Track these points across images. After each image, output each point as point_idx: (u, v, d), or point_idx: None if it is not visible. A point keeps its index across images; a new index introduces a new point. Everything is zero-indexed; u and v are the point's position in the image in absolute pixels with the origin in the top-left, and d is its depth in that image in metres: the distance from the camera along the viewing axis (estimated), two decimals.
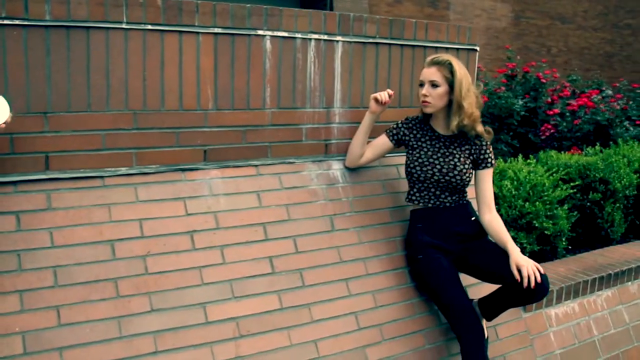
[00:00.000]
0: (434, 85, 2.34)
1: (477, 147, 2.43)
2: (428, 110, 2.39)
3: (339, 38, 2.51)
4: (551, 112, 4.56)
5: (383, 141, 2.54)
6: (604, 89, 5.45)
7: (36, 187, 2.04)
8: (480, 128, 2.42)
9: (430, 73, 2.35)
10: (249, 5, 2.28)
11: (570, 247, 3.52)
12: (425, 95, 2.36)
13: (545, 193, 3.26)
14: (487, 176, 2.46)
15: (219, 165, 2.34)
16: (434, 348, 2.47)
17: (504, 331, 2.68)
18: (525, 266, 2.21)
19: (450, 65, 2.33)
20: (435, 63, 2.35)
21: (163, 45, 2.17)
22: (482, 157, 2.43)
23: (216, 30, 2.25)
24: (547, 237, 3.31)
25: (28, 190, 2.03)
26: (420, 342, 2.45)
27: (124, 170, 2.17)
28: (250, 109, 2.37)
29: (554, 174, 3.47)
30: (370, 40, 2.60)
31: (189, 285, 2.11)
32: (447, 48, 2.81)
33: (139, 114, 2.17)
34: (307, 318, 2.26)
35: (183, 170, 2.27)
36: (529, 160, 3.63)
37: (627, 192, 3.69)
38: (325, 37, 2.48)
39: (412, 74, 2.75)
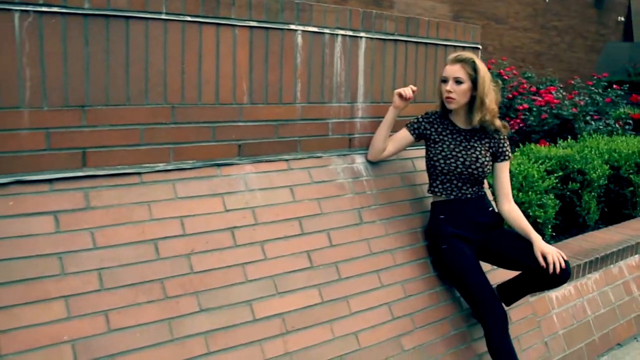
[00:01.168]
0: (458, 82, 2.42)
1: (495, 140, 2.53)
2: (452, 106, 2.46)
3: (362, 34, 2.53)
4: (521, 108, 4.80)
5: (404, 135, 2.59)
6: (561, 86, 5.79)
7: (73, 184, 1.93)
8: (498, 123, 2.52)
9: (455, 70, 2.42)
10: None
11: (554, 234, 3.73)
12: (449, 92, 2.43)
13: (536, 183, 3.44)
14: (505, 168, 2.57)
15: (253, 160, 2.30)
16: (459, 334, 2.56)
17: (514, 315, 2.81)
18: (550, 253, 2.33)
19: (473, 62, 2.41)
20: (459, 60, 2.42)
21: (201, 37, 2.10)
22: (500, 150, 2.54)
23: (251, 23, 2.20)
24: (535, 225, 3.50)
25: (65, 189, 1.91)
26: (446, 329, 2.52)
27: (161, 166, 2.09)
28: (282, 104, 2.35)
29: (540, 166, 3.66)
30: (390, 37, 2.64)
31: (234, 283, 2.07)
32: (455, 46, 2.90)
33: (177, 107, 2.09)
34: (346, 311, 2.27)
35: (219, 165, 2.22)
36: (515, 153, 3.80)
37: (600, 181, 3.96)
38: (350, 33, 2.49)
39: (426, 71, 2.81)
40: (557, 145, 4.29)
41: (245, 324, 2.03)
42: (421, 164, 2.73)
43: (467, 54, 2.45)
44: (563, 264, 2.33)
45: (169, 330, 1.89)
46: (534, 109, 4.83)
